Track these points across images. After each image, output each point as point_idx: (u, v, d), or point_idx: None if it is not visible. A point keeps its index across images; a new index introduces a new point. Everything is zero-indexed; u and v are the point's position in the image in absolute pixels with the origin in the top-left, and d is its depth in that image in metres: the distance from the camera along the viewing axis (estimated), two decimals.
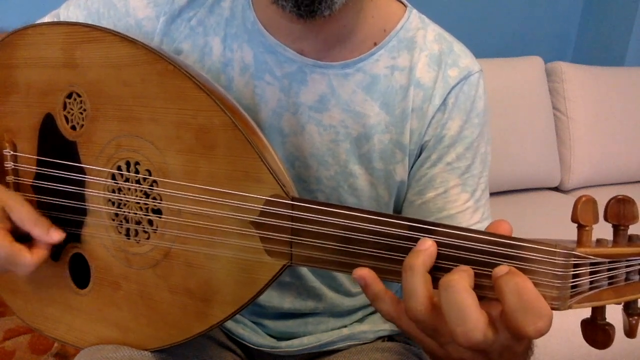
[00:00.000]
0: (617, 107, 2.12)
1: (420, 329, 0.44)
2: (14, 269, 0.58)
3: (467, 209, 0.71)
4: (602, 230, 0.48)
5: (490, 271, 0.42)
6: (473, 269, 0.43)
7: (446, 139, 0.70)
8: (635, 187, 2.18)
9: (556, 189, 2.17)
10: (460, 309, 0.40)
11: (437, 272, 0.44)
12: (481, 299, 0.41)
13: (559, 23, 2.50)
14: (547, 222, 1.80)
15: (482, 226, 0.70)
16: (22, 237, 0.59)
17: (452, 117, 0.70)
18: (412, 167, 0.72)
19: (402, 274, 0.43)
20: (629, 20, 2.33)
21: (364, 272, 0.46)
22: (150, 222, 0.58)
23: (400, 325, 0.46)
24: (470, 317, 0.39)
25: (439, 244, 0.44)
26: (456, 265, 0.44)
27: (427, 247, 0.44)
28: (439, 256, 0.44)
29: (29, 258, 0.58)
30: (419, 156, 0.72)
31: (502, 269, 0.41)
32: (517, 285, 0.40)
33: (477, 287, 0.42)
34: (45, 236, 0.59)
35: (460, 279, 0.41)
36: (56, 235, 0.60)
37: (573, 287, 0.42)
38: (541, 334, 0.39)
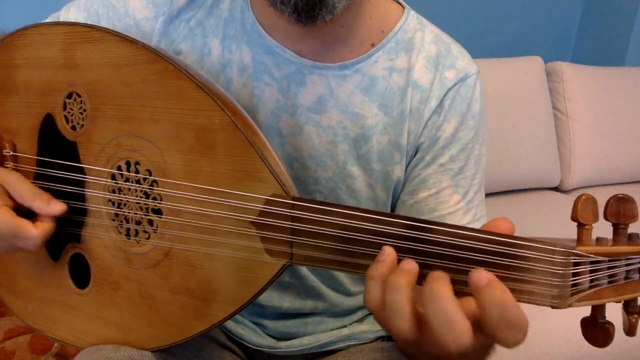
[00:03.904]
0: (617, 107, 2.12)
1: (404, 341, 0.44)
2: (22, 245, 0.58)
3: (458, 210, 0.71)
4: (602, 229, 0.48)
5: (491, 271, 0.42)
6: (471, 268, 0.43)
7: (441, 141, 0.70)
8: (636, 187, 2.18)
9: (556, 189, 2.17)
10: (447, 318, 0.40)
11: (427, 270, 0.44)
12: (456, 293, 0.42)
13: (559, 23, 2.50)
14: (547, 222, 1.80)
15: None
16: (26, 215, 0.59)
17: (447, 119, 0.70)
18: (406, 168, 0.73)
19: (387, 291, 0.43)
20: (629, 20, 2.33)
21: (392, 251, 0.46)
22: (151, 222, 0.58)
23: (380, 317, 0.46)
24: (457, 324, 0.40)
25: (437, 243, 0.44)
26: (455, 265, 0.44)
27: (412, 267, 0.44)
28: (437, 256, 0.44)
29: (34, 231, 0.57)
30: (413, 157, 0.72)
31: (481, 277, 0.41)
32: (499, 302, 0.40)
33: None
34: (46, 208, 0.59)
35: (444, 287, 0.41)
36: (57, 207, 0.59)
37: (573, 285, 0.42)
38: (519, 344, 0.41)
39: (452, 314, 0.40)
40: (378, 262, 0.45)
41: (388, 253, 0.45)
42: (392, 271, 0.45)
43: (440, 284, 0.42)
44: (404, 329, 0.42)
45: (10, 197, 0.60)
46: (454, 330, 0.40)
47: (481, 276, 0.41)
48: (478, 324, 0.41)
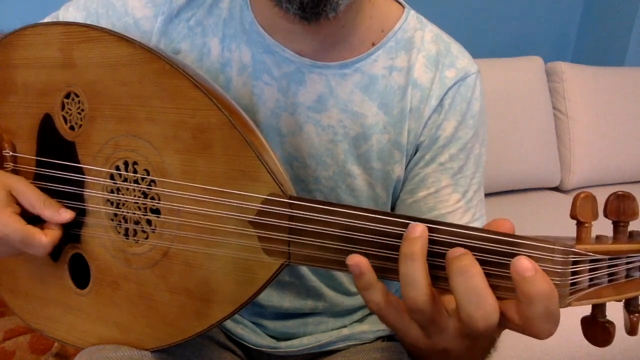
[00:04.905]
0: (617, 107, 2.12)
1: (417, 319, 0.44)
2: (32, 251, 0.59)
3: (458, 210, 0.71)
4: (603, 227, 0.47)
5: (490, 270, 0.42)
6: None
7: (441, 140, 0.70)
8: (636, 187, 2.18)
9: (556, 189, 2.17)
10: (479, 293, 0.40)
11: (435, 270, 0.44)
12: None
13: (559, 23, 2.50)
14: (547, 222, 1.80)
15: None
16: (32, 219, 0.59)
17: (447, 118, 0.70)
18: (406, 167, 0.73)
19: (400, 263, 0.43)
20: (629, 20, 2.33)
21: (361, 260, 0.44)
22: (149, 222, 0.58)
23: (387, 317, 0.46)
24: (488, 301, 0.40)
25: (438, 243, 0.44)
26: None
27: (422, 233, 0.43)
28: (439, 255, 0.44)
29: (44, 239, 0.58)
30: (413, 156, 0.72)
31: (527, 267, 0.39)
32: (548, 295, 0.39)
33: None
34: (56, 216, 0.60)
35: (474, 264, 0.41)
36: (67, 215, 0.60)
37: (572, 284, 0.42)
38: (551, 335, 0.41)
39: (482, 291, 0.40)
40: (361, 275, 0.44)
41: (361, 264, 0.44)
42: (373, 272, 0.44)
43: (468, 259, 0.41)
44: (421, 300, 0.42)
45: (17, 204, 0.60)
46: (485, 307, 0.40)
47: (527, 266, 0.39)
48: (520, 322, 0.41)
